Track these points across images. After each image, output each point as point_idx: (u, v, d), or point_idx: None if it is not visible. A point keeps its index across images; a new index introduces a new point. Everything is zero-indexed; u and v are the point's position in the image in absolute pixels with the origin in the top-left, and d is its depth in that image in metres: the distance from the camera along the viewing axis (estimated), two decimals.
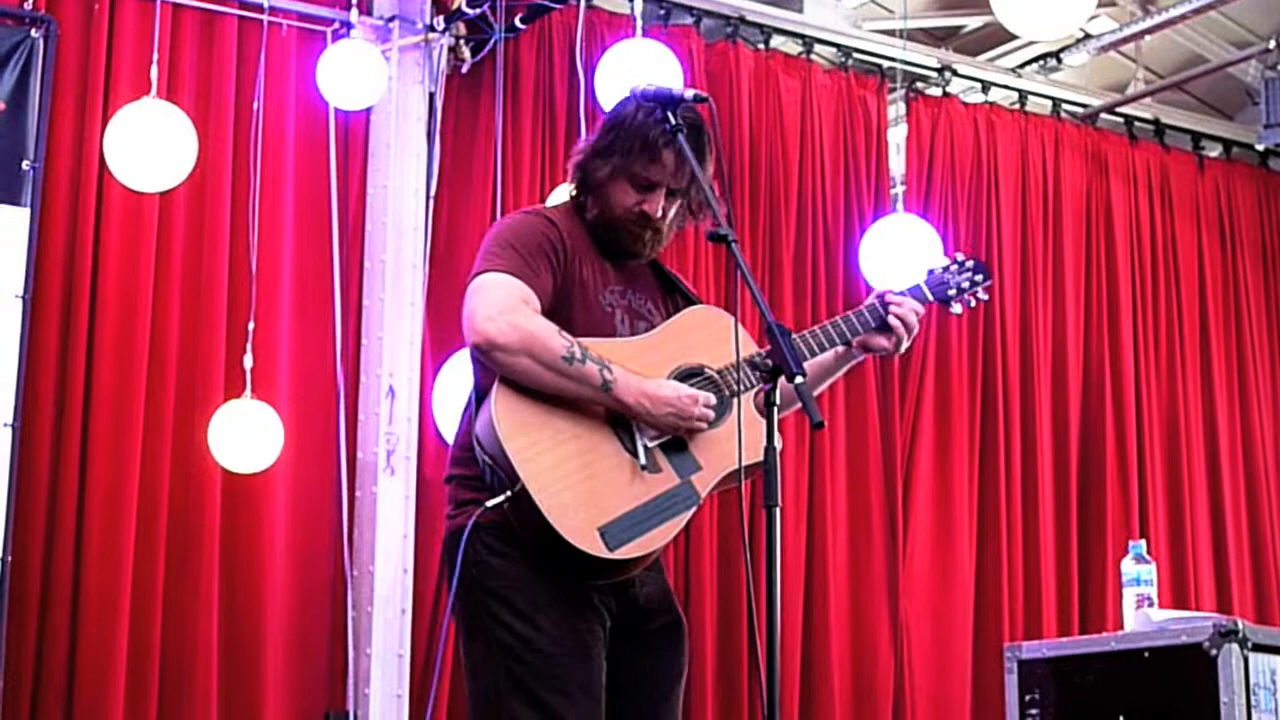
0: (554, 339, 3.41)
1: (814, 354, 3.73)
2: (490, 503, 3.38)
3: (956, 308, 4.03)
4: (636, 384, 3.48)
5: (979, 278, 4.04)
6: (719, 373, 3.59)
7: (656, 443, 3.49)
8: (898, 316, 3.79)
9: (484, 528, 3.43)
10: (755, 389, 3.58)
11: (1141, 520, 8.22)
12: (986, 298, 4.09)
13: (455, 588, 3.51)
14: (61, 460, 6.19)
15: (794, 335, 3.58)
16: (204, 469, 6.36)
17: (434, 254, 7.01)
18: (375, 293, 6.95)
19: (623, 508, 3.40)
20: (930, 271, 4.00)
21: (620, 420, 3.48)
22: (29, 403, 6.10)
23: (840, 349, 3.81)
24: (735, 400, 3.59)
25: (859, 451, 7.68)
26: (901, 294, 3.86)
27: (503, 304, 3.44)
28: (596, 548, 3.35)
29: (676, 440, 3.51)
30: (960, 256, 4.06)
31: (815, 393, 3.70)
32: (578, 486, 3.38)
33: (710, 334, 3.63)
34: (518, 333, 3.40)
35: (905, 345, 3.84)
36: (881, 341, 3.81)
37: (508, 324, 3.40)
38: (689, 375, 3.59)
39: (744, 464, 3.42)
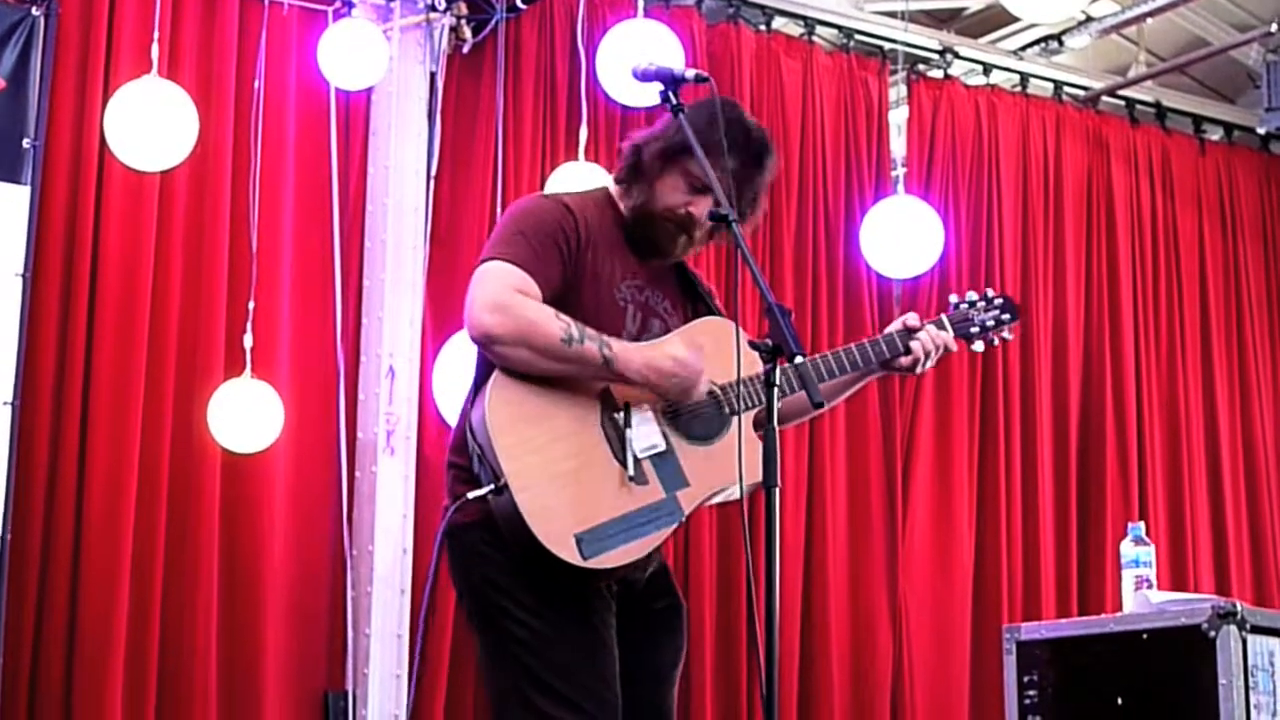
0: (551, 324, 3.40)
1: (831, 376, 3.72)
2: (472, 494, 3.38)
3: (978, 345, 3.96)
4: (638, 357, 3.47)
5: (1005, 317, 3.96)
6: (721, 389, 3.58)
7: (647, 455, 3.48)
8: (921, 345, 3.78)
9: (482, 523, 3.42)
10: (756, 408, 3.56)
11: (1140, 502, 8.23)
12: (1010, 338, 4.01)
13: (463, 585, 3.51)
14: (61, 439, 6.19)
15: (812, 358, 3.59)
16: (204, 448, 6.37)
17: (434, 234, 7.01)
18: (376, 272, 6.95)
19: (603, 517, 3.39)
20: (955, 305, 3.94)
21: (614, 428, 3.47)
22: (29, 381, 6.10)
23: None
24: (734, 418, 3.57)
25: (859, 433, 7.68)
26: (927, 324, 3.82)
27: (499, 295, 3.42)
28: (571, 555, 3.34)
29: (667, 453, 3.50)
30: (990, 293, 3.98)
31: (825, 409, 3.67)
32: (562, 491, 3.37)
33: (717, 348, 3.58)
34: (514, 323, 3.38)
35: (922, 370, 3.82)
36: (901, 361, 3.80)
37: (504, 315, 3.39)
38: None
39: (736, 484, 3.46)
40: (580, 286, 3.55)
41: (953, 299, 3.98)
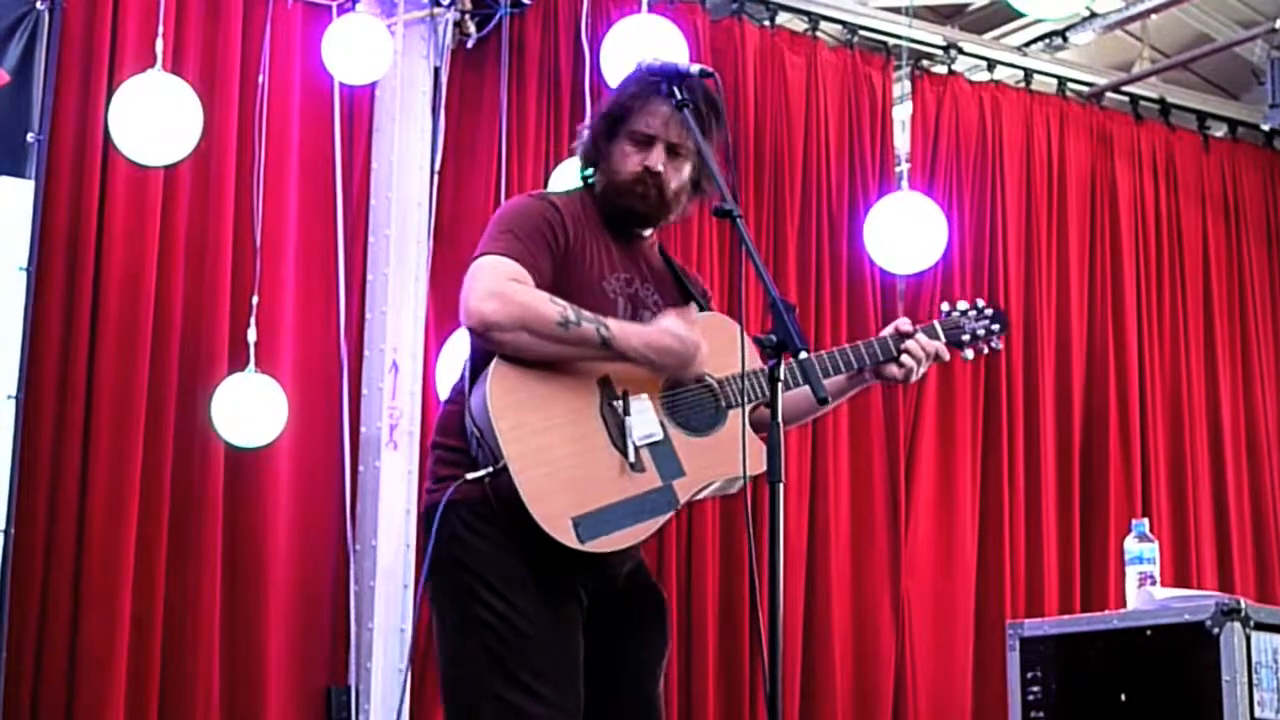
0: (547, 307, 3.44)
1: (825, 376, 3.75)
2: (470, 476, 3.39)
3: (968, 353, 4.04)
4: (636, 334, 3.51)
5: (995, 327, 4.04)
6: (719, 382, 3.62)
7: (645, 443, 3.50)
8: (909, 353, 3.83)
9: (462, 504, 3.44)
10: (754, 403, 3.61)
11: (1144, 499, 8.23)
12: (1000, 348, 4.10)
13: (432, 563, 3.52)
14: (64, 433, 6.18)
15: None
16: (207, 442, 6.37)
17: (438, 229, 7.01)
18: (379, 267, 6.95)
19: (601, 501, 3.41)
20: (946, 312, 4.02)
21: (613, 415, 3.49)
22: (33, 375, 6.09)
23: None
24: (729, 412, 3.61)
25: (862, 428, 7.68)
26: (919, 330, 3.88)
27: (493, 284, 3.45)
28: (568, 538, 3.35)
29: (664, 442, 3.52)
30: (980, 303, 4.07)
31: (822, 412, 3.78)
32: (560, 474, 3.39)
33: (714, 342, 3.61)
34: (511, 309, 3.41)
35: (915, 378, 3.88)
36: (892, 370, 3.86)
37: (501, 302, 3.42)
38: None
39: (731, 477, 3.51)
40: (569, 280, 3.58)
41: (944, 306, 4.05)
